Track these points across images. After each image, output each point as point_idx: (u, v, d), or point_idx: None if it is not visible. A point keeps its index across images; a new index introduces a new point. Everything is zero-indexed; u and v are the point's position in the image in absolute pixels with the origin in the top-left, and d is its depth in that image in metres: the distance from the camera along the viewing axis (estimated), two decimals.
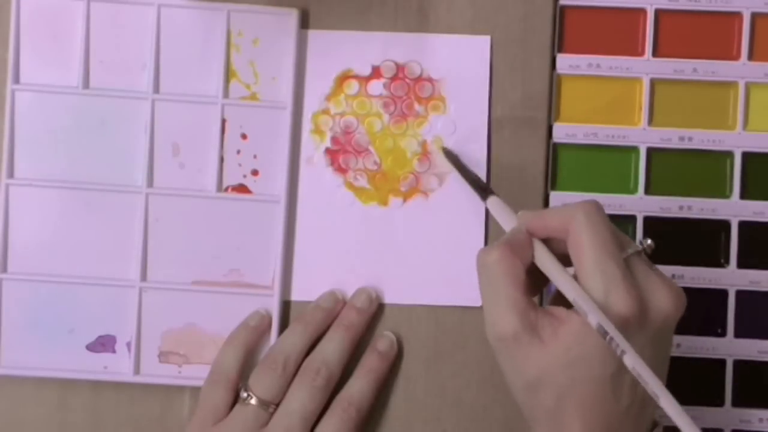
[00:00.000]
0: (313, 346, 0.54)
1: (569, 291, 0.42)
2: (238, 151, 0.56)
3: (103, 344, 0.56)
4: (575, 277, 0.43)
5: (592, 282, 0.42)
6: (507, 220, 0.48)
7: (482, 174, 0.56)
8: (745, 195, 0.57)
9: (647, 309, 0.43)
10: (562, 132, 0.57)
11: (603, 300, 0.42)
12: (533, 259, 0.45)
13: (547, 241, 0.45)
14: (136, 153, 0.56)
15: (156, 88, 0.56)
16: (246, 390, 0.53)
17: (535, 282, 0.46)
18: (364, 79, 0.57)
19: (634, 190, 0.57)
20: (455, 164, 0.55)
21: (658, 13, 0.57)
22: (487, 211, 0.56)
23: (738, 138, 0.57)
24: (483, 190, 0.51)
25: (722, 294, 0.57)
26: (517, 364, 0.43)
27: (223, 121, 0.56)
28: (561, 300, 0.44)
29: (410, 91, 0.57)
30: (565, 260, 0.44)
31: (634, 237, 0.57)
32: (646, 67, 0.57)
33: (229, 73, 0.56)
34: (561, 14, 0.57)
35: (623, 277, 0.42)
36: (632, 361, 0.40)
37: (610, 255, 0.42)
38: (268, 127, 0.56)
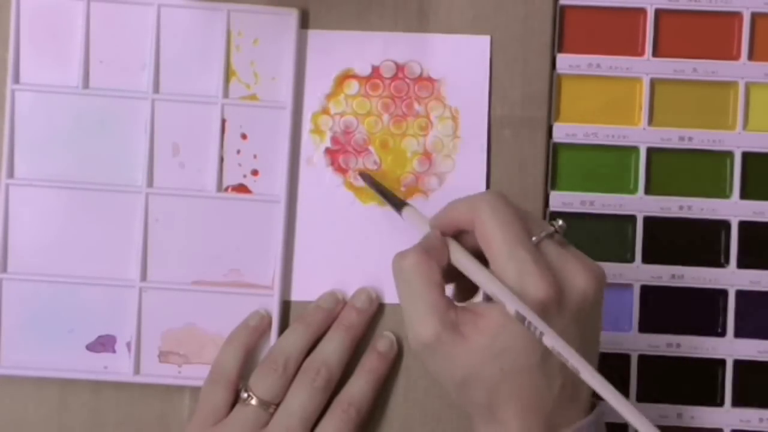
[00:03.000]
0: (314, 346, 0.54)
1: (484, 283, 0.42)
2: (238, 151, 0.56)
3: (103, 344, 0.56)
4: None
5: (504, 271, 0.42)
6: (423, 228, 0.47)
7: (482, 174, 0.56)
8: (745, 195, 0.57)
9: (563, 290, 0.42)
10: (562, 132, 0.57)
11: (518, 287, 0.42)
12: (449, 260, 0.44)
13: (461, 237, 0.45)
14: (136, 153, 0.56)
15: (156, 88, 0.56)
16: (246, 390, 0.53)
17: (465, 285, 0.46)
18: (364, 79, 0.57)
19: (634, 190, 0.57)
20: (372, 185, 0.55)
21: (658, 13, 0.57)
22: None
23: (738, 138, 0.57)
24: (397, 204, 0.51)
25: (722, 294, 0.57)
26: (444, 365, 0.43)
27: (223, 121, 0.56)
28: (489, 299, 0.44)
29: (410, 91, 0.57)
30: (481, 254, 0.44)
31: (634, 237, 0.57)
32: (646, 67, 0.57)
33: (229, 73, 0.56)
34: (561, 14, 0.57)
35: (535, 261, 0.42)
36: (551, 340, 0.40)
37: (519, 242, 0.42)
38: (268, 127, 0.56)
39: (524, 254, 0.42)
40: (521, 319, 0.40)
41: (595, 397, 0.44)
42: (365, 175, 0.56)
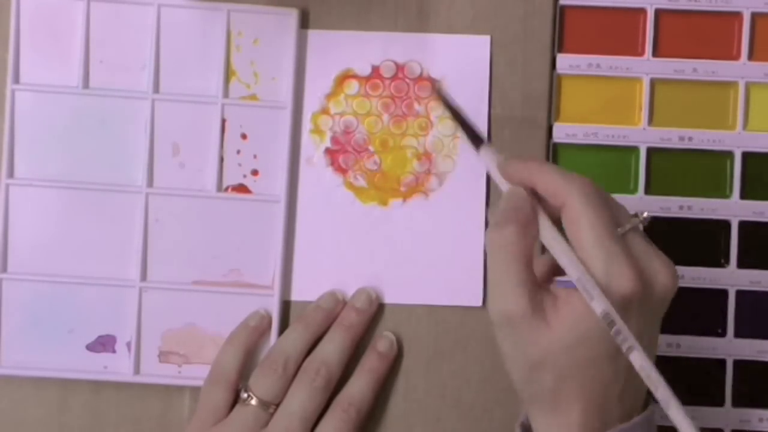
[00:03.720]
0: (314, 346, 0.54)
1: (574, 272, 0.42)
2: (238, 151, 0.56)
3: (103, 344, 0.56)
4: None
5: (591, 259, 0.42)
6: (495, 174, 0.46)
7: (482, 174, 0.56)
8: (745, 195, 0.57)
9: (648, 286, 0.42)
10: (562, 132, 0.57)
11: (604, 279, 0.41)
12: (538, 236, 0.44)
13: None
14: (136, 153, 0.56)
15: (156, 88, 0.56)
16: (246, 390, 0.53)
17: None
18: (364, 79, 0.57)
19: (634, 190, 0.57)
20: (450, 109, 0.50)
21: (658, 13, 0.57)
22: (486, 213, 0.56)
23: (738, 138, 0.57)
24: (476, 139, 0.47)
25: (722, 294, 0.57)
26: (521, 344, 0.43)
27: (223, 121, 0.56)
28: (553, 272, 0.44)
29: (410, 91, 0.57)
30: (555, 223, 0.44)
31: None
32: (646, 67, 0.57)
33: (229, 73, 0.56)
34: (561, 14, 0.57)
35: (624, 254, 0.41)
36: (641, 360, 0.40)
37: (608, 231, 0.42)
38: (268, 127, 0.56)
39: (613, 245, 0.41)
40: (608, 321, 0.40)
41: (650, 395, 0.44)
42: (444, 98, 0.50)
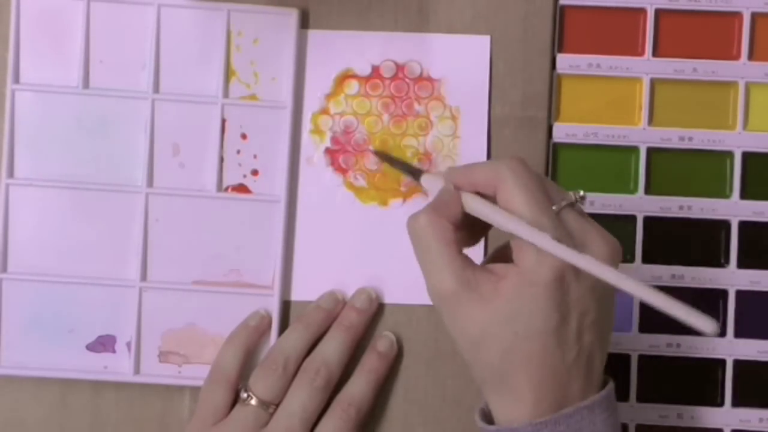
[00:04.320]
0: (314, 346, 0.54)
1: (508, 223, 0.42)
2: (238, 151, 0.56)
3: (103, 344, 0.56)
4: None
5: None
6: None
7: None
8: (745, 195, 0.57)
9: None
10: (562, 132, 0.57)
11: (535, 254, 0.41)
12: (462, 216, 0.44)
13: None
14: (136, 153, 0.56)
15: (156, 88, 0.56)
16: (246, 390, 0.53)
17: (473, 235, 0.46)
18: (364, 79, 0.57)
19: (634, 190, 0.57)
20: (386, 160, 0.54)
21: (658, 13, 0.57)
22: None
23: (738, 138, 0.57)
24: (414, 172, 0.49)
25: (722, 294, 0.57)
26: (460, 322, 0.43)
27: (223, 121, 0.56)
28: (501, 259, 0.44)
29: (410, 91, 0.57)
30: None
31: (634, 237, 0.57)
32: (646, 67, 0.57)
33: (229, 73, 0.56)
34: (561, 14, 0.57)
35: (555, 228, 0.42)
36: (588, 261, 0.40)
37: (540, 209, 0.42)
38: (268, 127, 0.56)
39: (546, 221, 0.42)
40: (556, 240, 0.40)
41: (608, 374, 0.45)
42: (379, 153, 0.55)
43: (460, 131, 0.56)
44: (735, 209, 0.57)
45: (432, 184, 0.47)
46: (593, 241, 0.43)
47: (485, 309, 0.42)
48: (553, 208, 0.43)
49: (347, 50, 0.56)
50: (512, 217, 0.42)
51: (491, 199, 0.44)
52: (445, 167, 0.56)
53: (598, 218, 0.56)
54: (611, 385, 0.44)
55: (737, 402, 0.57)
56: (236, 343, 0.55)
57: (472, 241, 0.47)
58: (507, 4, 0.56)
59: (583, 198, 0.44)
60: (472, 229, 0.45)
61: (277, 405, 0.53)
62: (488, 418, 0.45)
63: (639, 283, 0.39)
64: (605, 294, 0.44)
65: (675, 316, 0.38)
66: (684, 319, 0.37)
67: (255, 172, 0.56)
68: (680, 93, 0.57)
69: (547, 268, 0.41)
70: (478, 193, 0.44)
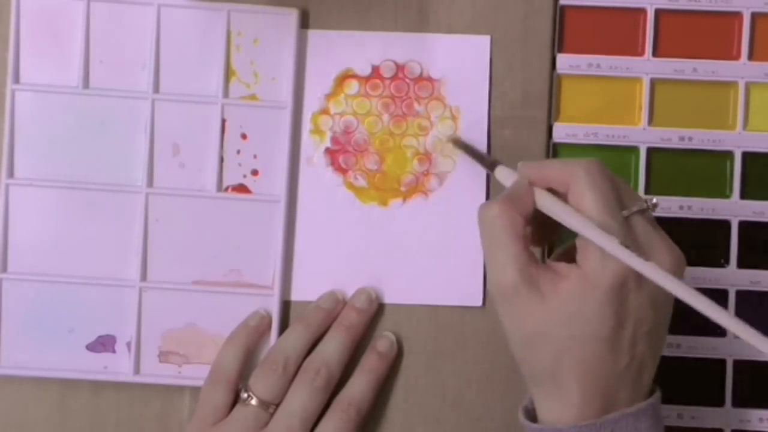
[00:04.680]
0: (314, 346, 0.54)
1: (576, 222, 0.42)
2: (238, 151, 0.56)
3: (103, 344, 0.56)
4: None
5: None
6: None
7: (482, 174, 0.56)
8: (745, 195, 0.57)
9: None
10: (562, 132, 0.57)
11: (600, 258, 0.42)
12: (533, 211, 0.44)
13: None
14: (136, 153, 0.56)
15: (156, 88, 0.56)
16: (246, 390, 0.53)
17: (542, 234, 0.46)
18: (364, 79, 0.57)
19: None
20: (463, 148, 0.55)
21: (658, 13, 0.57)
22: None
23: (738, 138, 0.57)
24: (490, 164, 0.50)
25: (722, 294, 0.57)
26: (516, 318, 0.43)
27: (223, 121, 0.56)
28: (565, 259, 0.44)
29: (410, 91, 0.57)
30: None
31: None
32: (646, 67, 0.57)
33: (229, 73, 0.56)
34: (561, 14, 0.57)
35: (621, 233, 0.42)
36: (653, 269, 0.40)
37: (610, 214, 0.42)
38: (268, 127, 0.56)
39: (614, 224, 0.42)
40: (625, 245, 0.40)
41: (657, 383, 0.45)
42: (455, 141, 0.55)
43: (460, 131, 0.56)
44: (735, 209, 0.57)
45: (506, 177, 0.47)
46: (659, 251, 0.43)
47: (543, 307, 0.42)
48: (624, 212, 0.43)
49: (347, 50, 0.56)
50: (581, 216, 0.42)
51: (563, 197, 0.44)
52: (446, 167, 0.56)
53: None
54: (658, 394, 0.44)
55: (737, 402, 0.57)
56: (236, 343, 0.55)
57: (541, 241, 0.47)
58: (507, 4, 0.56)
59: (655, 205, 0.44)
60: (541, 227, 0.46)
61: (277, 405, 0.53)
62: (531, 415, 0.45)
63: (701, 297, 0.39)
64: (663, 305, 0.44)
65: (738, 334, 0.38)
66: (746, 339, 0.38)
67: (255, 172, 0.56)
68: (680, 93, 0.57)
69: (610, 273, 0.41)
70: (551, 191, 0.44)
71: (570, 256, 0.44)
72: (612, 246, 0.41)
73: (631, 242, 0.42)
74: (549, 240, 0.48)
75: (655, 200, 0.44)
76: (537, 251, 0.46)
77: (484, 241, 0.44)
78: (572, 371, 0.42)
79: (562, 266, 0.43)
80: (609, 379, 0.43)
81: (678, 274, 0.43)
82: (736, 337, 0.56)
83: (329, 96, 0.57)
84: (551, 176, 0.45)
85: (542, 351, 0.43)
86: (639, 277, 0.42)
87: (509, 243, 0.43)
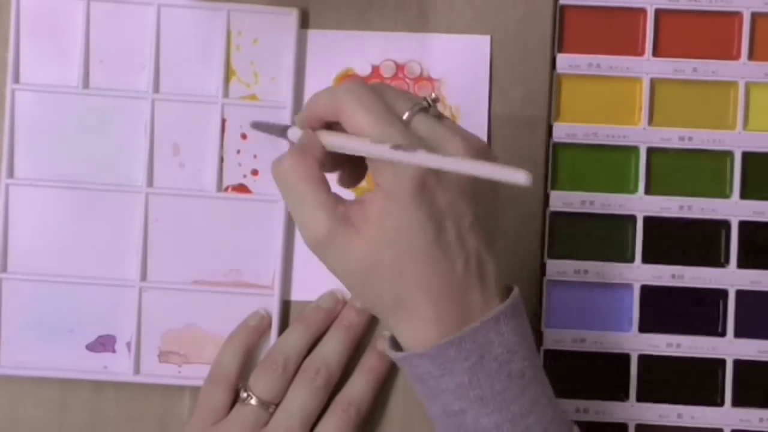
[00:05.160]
0: (314, 346, 0.54)
1: (357, 147, 0.41)
2: (238, 151, 0.56)
3: (103, 344, 0.56)
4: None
5: None
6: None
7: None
8: (745, 195, 0.57)
9: None
10: (562, 132, 0.57)
11: (391, 167, 0.41)
12: (324, 154, 0.43)
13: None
14: (136, 153, 0.56)
15: (156, 88, 0.56)
16: (246, 390, 0.53)
17: (354, 173, 0.45)
18: (364, 79, 0.57)
19: (634, 190, 0.57)
20: (259, 128, 0.52)
21: (658, 13, 0.57)
22: None
23: (738, 138, 0.57)
24: (282, 130, 0.48)
25: (722, 294, 0.57)
26: (342, 260, 0.42)
27: (223, 121, 0.56)
28: None
29: (410, 90, 0.57)
30: None
31: (634, 237, 0.57)
32: (646, 67, 0.57)
33: (229, 73, 0.56)
34: (561, 14, 0.57)
35: (404, 137, 0.40)
36: (422, 157, 0.39)
37: (386, 121, 0.41)
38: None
39: (393, 132, 0.41)
40: (399, 148, 0.39)
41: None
42: (253, 124, 0.53)
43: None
44: (735, 209, 0.57)
45: (296, 134, 0.45)
46: (448, 141, 0.41)
47: (362, 239, 0.41)
48: (405, 117, 0.42)
49: (347, 50, 0.56)
50: (356, 138, 0.41)
51: (341, 128, 0.43)
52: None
53: (598, 218, 0.56)
54: (516, 291, 0.43)
55: (737, 402, 0.57)
56: (236, 343, 0.55)
57: (355, 180, 0.46)
58: (507, 4, 0.56)
59: (435, 100, 0.43)
60: (350, 167, 0.45)
61: (277, 405, 0.53)
62: (397, 345, 0.44)
63: (484, 164, 0.37)
64: (479, 192, 0.43)
65: (486, 176, 0.37)
66: (497, 177, 0.36)
67: (255, 172, 0.56)
68: (680, 93, 0.57)
69: (405, 179, 0.40)
70: (331, 127, 0.43)
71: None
72: (384, 151, 0.39)
73: (416, 142, 0.40)
74: (362, 175, 0.46)
75: (434, 95, 0.43)
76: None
77: (286, 195, 0.43)
78: (413, 288, 0.41)
79: (365, 196, 0.42)
80: (453, 285, 0.41)
81: (474, 155, 0.41)
82: (736, 336, 0.56)
83: None
84: (320, 112, 0.43)
85: (379, 281, 0.41)
86: (437, 174, 0.41)
87: (310, 190, 0.42)
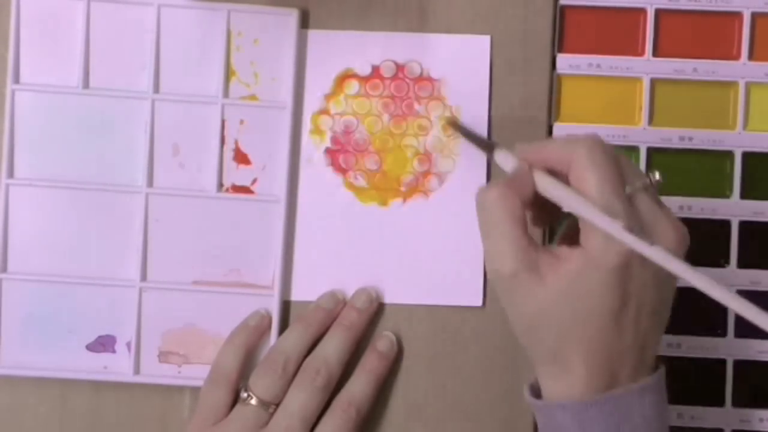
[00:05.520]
0: (314, 346, 0.54)
1: (579, 206, 0.42)
2: None
3: (103, 344, 0.56)
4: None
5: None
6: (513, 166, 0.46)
7: (482, 174, 0.56)
8: (745, 195, 0.57)
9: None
10: (562, 132, 0.57)
11: (604, 238, 0.41)
12: (533, 195, 0.44)
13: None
14: (136, 153, 0.56)
15: (156, 88, 0.56)
16: (246, 390, 0.53)
17: (542, 216, 0.46)
18: (364, 79, 0.57)
19: None
20: (459, 131, 0.54)
21: (658, 13, 0.57)
22: None
23: (738, 138, 0.57)
24: (488, 146, 0.49)
25: None
26: (518, 302, 0.43)
27: (223, 121, 0.56)
28: (566, 242, 0.44)
29: (410, 91, 0.57)
30: None
31: None
32: (646, 67, 0.57)
33: (229, 73, 0.56)
34: (561, 14, 0.57)
35: (626, 212, 0.41)
36: (658, 253, 0.40)
37: (613, 190, 0.42)
38: (268, 127, 0.56)
39: (617, 204, 0.41)
40: (629, 229, 0.40)
41: (661, 360, 0.45)
42: (452, 123, 0.55)
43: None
44: (735, 209, 0.57)
45: (505, 160, 0.46)
46: (663, 228, 0.42)
47: (544, 289, 0.42)
48: (627, 190, 0.42)
49: (347, 50, 0.56)
50: (584, 200, 0.42)
51: (564, 178, 0.43)
52: (446, 167, 0.56)
53: None
54: (662, 369, 0.44)
55: (737, 402, 0.57)
56: (236, 343, 0.55)
57: (542, 223, 0.46)
58: (507, 4, 0.56)
59: (658, 182, 0.43)
60: (542, 209, 0.45)
61: (277, 405, 0.52)
62: (537, 393, 0.45)
63: (705, 278, 0.39)
64: (666, 284, 0.44)
65: (741, 313, 0.38)
66: (750, 318, 0.38)
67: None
68: (680, 93, 0.57)
69: (615, 254, 0.41)
70: (552, 172, 0.44)
71: (571, 239, 0.44)
72: (616, 230, 0.40)
73: (635, 221, 0.41)
74: (550, 221, 0.47)
75: (658, 176, 0.43)
76: (538, 233, 0.45)
77: (483, 225, 0.44)
78: (576, 350, 0.42)
79: (564, 250, 0.43)
80: (612, 357, 0.42)
81: (682, 250, 0.43)
82: (736, 336, 0.56)
83: (329, 96, 0.57)
84: (551, 157, 0.44)
85: (546, 332, 0.42)
86: (643, 257, 0.41)
87: (508, 227, 0.42)
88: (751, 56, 0.57)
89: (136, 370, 0.55)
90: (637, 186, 0.43)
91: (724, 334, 0.57)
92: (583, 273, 0.41)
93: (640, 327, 0.42)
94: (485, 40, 0.56)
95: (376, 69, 0.57)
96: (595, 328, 0.42)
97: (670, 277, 0.43)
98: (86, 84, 0.56)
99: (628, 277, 0.42)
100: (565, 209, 0.43)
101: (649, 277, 0.42)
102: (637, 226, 0.41)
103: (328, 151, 0.56)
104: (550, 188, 0.43)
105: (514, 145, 0.46)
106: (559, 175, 0.44)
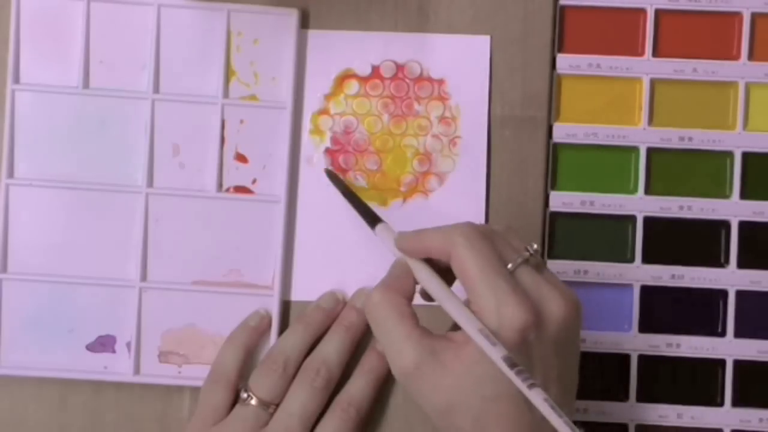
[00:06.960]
0: (314, 346, 0.54)
1: (463, 323, 0.43)
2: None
3: (103, 344, 0.56)
4: (467, 302, 0.44)
5: (483, 301, 0.42)
6: (392, 248, 0.48)
7: (483, 174, 0.56)
8: (745, 195, 0.57)
9: (541, 316, 0.43)
10: (562, 132, 0.57)
11: (496, 317, 0.42)
12: (414, 288, 0.46)
13: (428, 260, 0.46)
14: (136, 153, 0.56)
15: (156, 88, 0.56)
16: (246, 390, 0.53)
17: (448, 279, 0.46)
18: (364, 79, 0.57)
19: (634, 190, 0.57)
20: (341, 189, 0.55)
21: (658, 13, 0.57)
22: (486, 212, 0.56)
23: (738, 138, 0.57)
24: (372, 218, 0.51)
25: (722, 294, 0.57)
26: (427, 394, 0.43)
27: (223, 121, 0.56)
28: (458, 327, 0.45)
29: (410, 91, 0.57)
30: (449, 274, 0.45)
31: (634, 237, 0.57)
32: (646, 67, 0.57)
33: (229, 73, 0.56)
34: (561, 14, 0.57)
35: (512, 290, 0.42)
36: (537, 396, 0.40)
37: (495, 271, 0.43)
38: (268, 128, 0.56)
39: (501, 283, 0.42)
40: (509, 363, 0.41)
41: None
42: (334, 177, 0.55)
43: (460, 131, 0.56)
44: (735, 209, 0.57)
45: (386, 236, 0.48)
46: (551, 297, 0.43)
47: (449, 377, 0.42)
48: (509, 266, 0.43)
49: (347, 50, 0.56)
50: (459, 306, 0.43)
51: (446, 265, 0.44)
52: (446, 167, 0.56)
53: (598, 218, 0.57)
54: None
55: (737, 402, 0.57)
56: (236, 343, 0.55)
57: (429, 297, 0.47)
58: (507, 4, 0.56)
59: (537, 251, 0.44)
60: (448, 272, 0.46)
61: (277, 405, 0.53)
62: None
63: (557, 415, 0.39)
64: (568, 344, 0.44)
65: None
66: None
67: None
68: (680, 93, 0.57)
69: (510, 332, 0.42)
70: (431, 261, 0.45)
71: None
72: (497, 358, 0.41)
73: (522, 294, 0.42)
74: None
75: (536, 246, 0.44)
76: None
77: (375, 330, 0.45)
78: (493, 429, 0.43)
79: (459, 335, 0.43)
80: (532, 427, 0.43)
81: (576, 316, 0.44)
82: (736, 336, 0.56)
83: (329, 96, 0.57)
84: (431, 247, 0.45)
85: (460, 419, 0.43)
86: (539, 328, 0.42)
87: (398, 325, 0.44)
88: (751, 56, 0.57)
89: (136, 370, 0.55)
90: (518, 261, 0.44)
91: (724, 334, 0.57)
92: (482, 356, 0.42)
93: (550, 394, 0.42)
94: (485, 40, 0.56)
95: (375, 69, 0.57)
96: (507, 407, 0.42)
97: (571, 342, 0.44)
98: (86, 84, 0.56)
99: (528, 351, 0.42)
100: (450, 316, 0.44)
101: (549, 346, 0.43)
102: (523, 297, 0.42)
103: (328, 151, 0.57)
104: (430, 287, 0.45)
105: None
106: (440, 263, 0.45)
